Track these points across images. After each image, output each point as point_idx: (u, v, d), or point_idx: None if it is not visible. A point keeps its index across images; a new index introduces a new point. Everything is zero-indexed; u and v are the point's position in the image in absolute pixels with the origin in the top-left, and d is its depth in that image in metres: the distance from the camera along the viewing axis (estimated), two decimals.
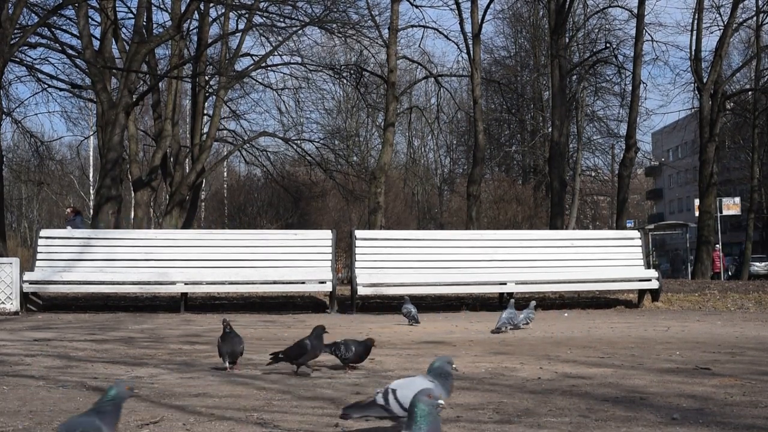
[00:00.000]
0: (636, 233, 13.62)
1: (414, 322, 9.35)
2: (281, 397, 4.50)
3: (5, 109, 21.35)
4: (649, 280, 12.61)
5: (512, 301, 9.25)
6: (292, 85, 26.28)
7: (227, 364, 5.39)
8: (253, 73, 24.63)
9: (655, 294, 12.63)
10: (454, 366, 3.28)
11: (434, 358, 3.42)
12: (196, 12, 20.58)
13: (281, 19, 20.19)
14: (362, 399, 3.50)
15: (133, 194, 25.54)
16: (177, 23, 18.85)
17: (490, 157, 37.18)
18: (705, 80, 25.16)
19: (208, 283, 12.16)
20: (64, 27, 22.14)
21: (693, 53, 25.63)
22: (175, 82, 23.07)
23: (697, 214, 26.21)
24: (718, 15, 26.80)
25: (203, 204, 36.88)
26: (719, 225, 30.18)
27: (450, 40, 32.12)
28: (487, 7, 24.28)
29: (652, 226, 39.74)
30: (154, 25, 22.20)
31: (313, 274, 12.09)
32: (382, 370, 5.68)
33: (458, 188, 37.81)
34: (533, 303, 9.34)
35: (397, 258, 12.69)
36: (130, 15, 22.92)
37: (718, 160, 29.35)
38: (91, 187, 38.61)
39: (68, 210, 15.55)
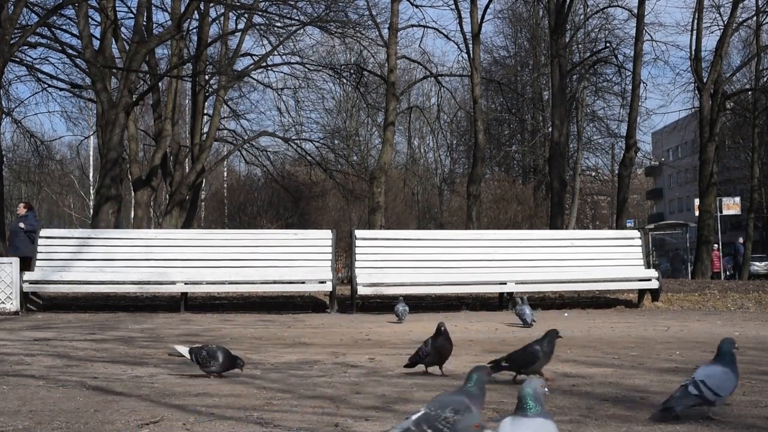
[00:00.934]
0: (636, 233, 13.61)
1: (399, 321, 9.88)
2: (281, 397, 4.50)
3: (5, 109, 21.33)
4: (649, 279, 12.60)
5: (525, 297, 9.60)
6: (292, 84, 26.30)
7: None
8: (253, 73, 24.65)
9: (655, 294, 12.63)
10: (736, 346, 3.82)
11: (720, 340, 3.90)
12: (196, 12, 20.57)
13: (281, 19, 20.20)
14: (672, 393, 3.83)
15: (133, 194, 25.54)
16: (177, 23, 18.84)
17: (490, 157, 37.18)
18: (705, 80, 25.15)
19: (208, 283, 12.16)
20: (64, 27, 22.16)
21: (693, 53, 25.62)
22: (175, 82, 23.07)
23: (697, 213, 26.20)
24: (718, 15, 26.83)
25: (203, 204, 36.87)
26: (719, 225, 30.14)
27: (450, 39, 32.15)
28: (487, 6, 24.28)
29: (652, 226, 39.72)
30: (154, 25, 22.19)
31: (313, 274, 12.09)
32: (382, 369, 5.68)
33: (458, 188, 37.78)
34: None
35: (397, 258, 12.68)
36: (130, 15, 22.93)
37: (718, 159, 29.32)
38: (91, 187, 38.60)
39: (21, 205, 13.66)
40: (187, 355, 5.08)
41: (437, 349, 5.15)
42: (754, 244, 33.41)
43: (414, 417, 2.87)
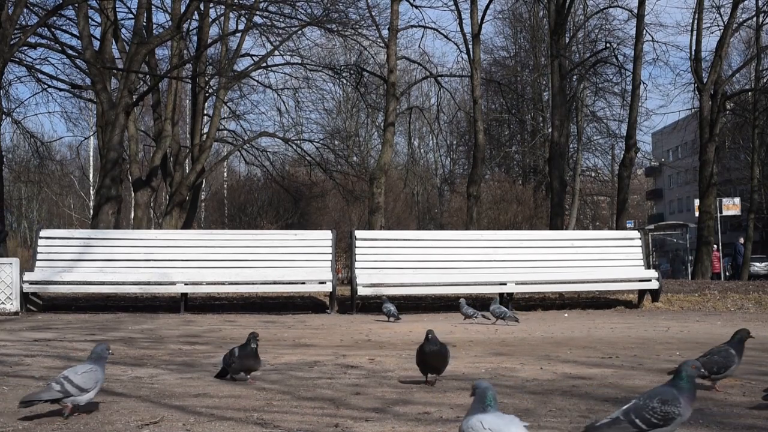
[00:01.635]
0: (636, 233, 13.61)
1: (395, 319, 10.16)
2: (281, 398, 4.50)
3: (5, 110, 21.31)
4: (649, 280, 12.62)
5: (497, 297, 10.44)
6: (291, 85, 26.30)
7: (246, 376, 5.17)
8: (253, 74, 24.64)
9: (655, 294, 12.64)
10: None
11: None
12: (196, 12, 20.57)
13: (281, 19, 20.20)
14: None
15: (133, 194, 25.53)
16: (177, 23, 18.83)
17: (490, 158, 37.17)
18: (705, 80, 25.14)
19: (208, 284, 12.16)
20: (64, 27, 22.13)
21: (693, 53, 25.61)
22: (175, 83, 23.05)
23: (697, 214, 26.19)
24: (718, 15, 26.79)
25: (203, 204, 36.86)
26: (719, 225, 30.11)
27: (450, 40, 32.15)
28: (487, 7, 24.25)
29: (652, 227, 39.72)
30: (154, 26, 22.18)
31: (313, 275, 12.09)
32: (382, 370, 5.68)
33: (458, 188, 37.77)
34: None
35: (397, 258, 12.68)
36: (130, 15, 22.92)
37: (718, 160, 29.30)
38: (91, 188, 38.61)
39: None
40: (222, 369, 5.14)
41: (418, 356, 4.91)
42: (754, 245, 33.39)
43: (624, 407, 3.06)
